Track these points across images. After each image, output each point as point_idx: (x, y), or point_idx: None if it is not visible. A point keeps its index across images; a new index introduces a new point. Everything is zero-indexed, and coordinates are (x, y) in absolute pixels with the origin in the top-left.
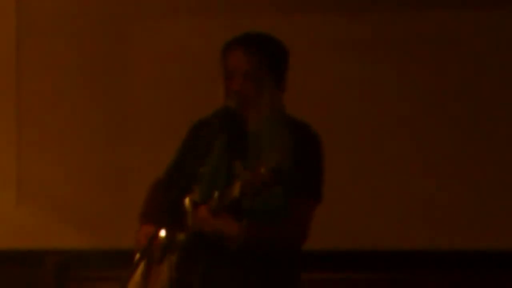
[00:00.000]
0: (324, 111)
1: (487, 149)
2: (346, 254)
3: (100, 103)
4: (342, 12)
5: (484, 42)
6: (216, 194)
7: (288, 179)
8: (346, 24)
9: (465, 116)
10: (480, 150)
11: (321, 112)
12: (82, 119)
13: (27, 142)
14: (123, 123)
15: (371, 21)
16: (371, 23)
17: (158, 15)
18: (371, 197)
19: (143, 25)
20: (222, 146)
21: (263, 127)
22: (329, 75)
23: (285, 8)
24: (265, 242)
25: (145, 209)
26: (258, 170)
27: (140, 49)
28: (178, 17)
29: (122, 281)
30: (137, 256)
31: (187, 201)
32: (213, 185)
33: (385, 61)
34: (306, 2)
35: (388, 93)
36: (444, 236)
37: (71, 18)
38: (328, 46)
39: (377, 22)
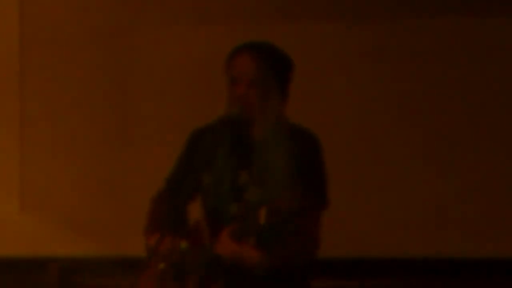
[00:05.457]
0: (327, 118)
1: (492, 155)
2: (348, 261)
3: (103, 111)
4: (345, 20)
5: (482, 49)
6: (238, 220)
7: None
8: (349, 33)
9: (469, 121)
10: (485, 156)
11: (324, 118)
12: (86, 127)
13: (30, 149)
14: (127, 131)
15: (374, 29)
16: (374, 32)
17: (161, 22)
18: (374, 204)
19: (146, 32)
20: (225, 154)
21: (269, 136)
22: (332, 82)
23: (288, 16)
24: (286, 261)
25: (149, 223)
26: (284, 197)
27: (144, 56)
28: (181, 24)
29: None
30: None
31: (201, 221)
32: (220, 198)
33: (388, 69)
34: (309, 10)
35: (391, 99)
36: (449, 243)
37: (75, 24)
38: (331, 54)
39: (380, 31)
